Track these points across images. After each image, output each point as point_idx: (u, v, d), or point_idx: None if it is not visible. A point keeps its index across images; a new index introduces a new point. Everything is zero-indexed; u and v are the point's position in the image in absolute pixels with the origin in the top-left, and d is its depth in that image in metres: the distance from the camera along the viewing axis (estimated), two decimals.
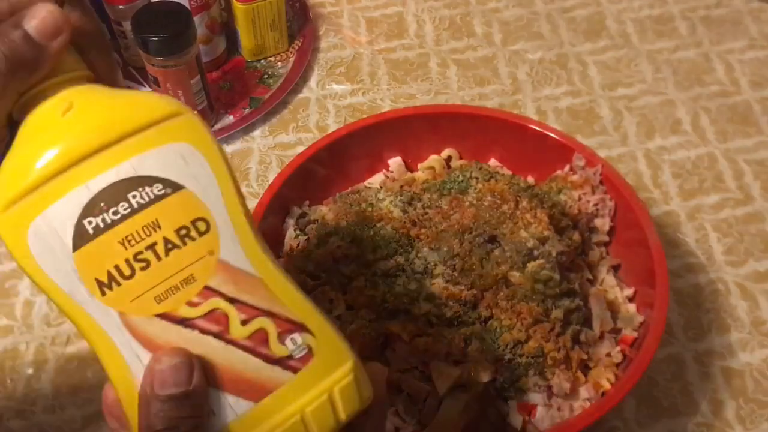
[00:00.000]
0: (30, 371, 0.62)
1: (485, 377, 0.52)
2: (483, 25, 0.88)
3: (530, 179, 0.66)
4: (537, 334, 0.53)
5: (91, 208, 0.30)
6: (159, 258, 0.30)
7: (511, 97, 0.81)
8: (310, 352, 0.32)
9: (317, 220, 0.61)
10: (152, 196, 0.30)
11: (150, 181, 0.30)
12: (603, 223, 0.62)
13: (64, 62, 0.32)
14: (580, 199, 0.62)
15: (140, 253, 0.30)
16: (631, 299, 0.60)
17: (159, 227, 0.30)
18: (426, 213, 0.58)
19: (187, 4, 0.76)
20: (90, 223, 0.30)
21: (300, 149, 0.65)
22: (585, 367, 0.56)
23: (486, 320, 0.54)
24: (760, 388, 0.61)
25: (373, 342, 0.54)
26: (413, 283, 0.55)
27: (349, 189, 0.64)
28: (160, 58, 0.69)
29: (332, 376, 0.32)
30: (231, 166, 0.32)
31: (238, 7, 0.79)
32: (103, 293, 0.30)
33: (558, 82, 0.82)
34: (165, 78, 0.71)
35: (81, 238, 0.30)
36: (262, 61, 0.84)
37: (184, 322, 0.31)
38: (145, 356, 0.30)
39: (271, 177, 0.70)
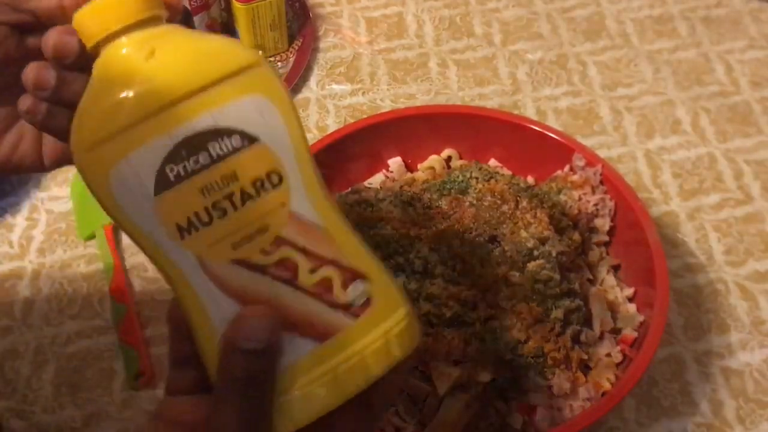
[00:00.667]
0: (30, 371, 0.62)
1: (485, 377, 0.52)
2: (483, 25, 0.88)
3: (530, 179, 0.66)
4: (537, 334, 0.53)
5: (172, 156, 0.31)
6: (235, 208, 0.32)
7: (511, 97, 0.81)
8: (369, 300, 0.34)
9: None
10: (230, 148, 0.31)
11: (228, 132, 0.31)
12: (603, 223, 0.62)
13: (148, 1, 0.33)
14: (580, 199, 0.62)
15: (218, 201, 0.31)
16: (631, 299, 0.60)
17: (237, 178, 0.32)
18: (426, 213, 0.58)
19: (187, 4, 0.76)
20: (171, 170, 0.31)
21: None
22: (585, 367, 0.56)
23: (486, 320, 0.54)
24: (759, 388, 0.61)
25: None
26: (413, 283, 0.55)
27: (349, 189, 0.64)
28: None
29: (388, 321, 0.34)
30: (300, 120, 0.34)
31: (238, 7, 0.79)
32: (182, 237, 0.31)
33: (558, 82, 0.82)
34: None
35: (162, 184, 0.31)
36: None
37: (258, 268, 0.32)
38: (221, 298, 0.32)
39: None
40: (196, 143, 0.31)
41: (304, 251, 0.33)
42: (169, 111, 0.31)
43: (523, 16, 0.89)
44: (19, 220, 0.72)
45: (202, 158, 0.31)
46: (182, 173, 0.31)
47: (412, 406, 0.54)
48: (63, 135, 0.38)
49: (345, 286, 0.33)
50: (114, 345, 0.63)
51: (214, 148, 0.31)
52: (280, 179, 0.32)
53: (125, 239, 0.69)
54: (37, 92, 0.37)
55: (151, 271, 0.67)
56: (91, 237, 0.70)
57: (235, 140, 0.32)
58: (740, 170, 0.74)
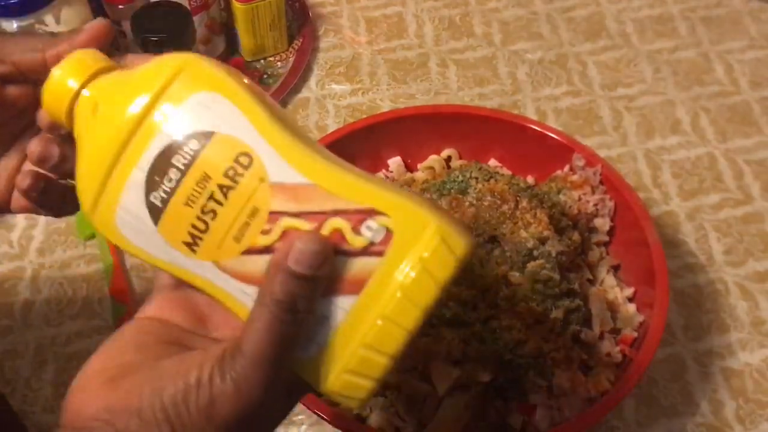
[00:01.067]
0: (30, 371, 0.62)
1: (485, 377, 0.52)
2: (483, 25, 0.88)
3: (530, 179, 0.66)
4: (537, 334, 0.53)
5: (150, 184, 0.33)
6: (221, 204, 0.33)
7: (511, 97, 0.81)
8: (389, 232, 0.32)
9: None
10: (192, 153, 0.33)
11: (184, 140, 0.33)
12: (603, 223, 0.62)
13: (84, 61, 0.35)
14: (579, 199, 0.62)
15: (205, 206, 0.33)
16: (630, 299, 0.60)
17: (209, 177, 0.32)
18: None
19: (186, 4, 0.75)
20: (156, 198, 0.33)
21: None
22: (585, 367, 0.56)
23: (486, 320, 0.54)
24: (759, 388, 0.61)
25: None
26: None
27: None
28: None
29: (418, 244, 0.32)
30: (255, 88, 0.34)
31: (238, 7, 0.79)
32: (194, 251, 0.33)
33: (558, 82, 0.82)
34: None
35: (155, 213, 0.33)
36: (262, 61, 0.84)
37: (266, 249, 0.33)
38: (248, 289, 0.33)
39: None
40: (162, 165, 0.33)
41: (300, 215, 0.32)
42: (129, 148, 0.33)
43: (523, 16, 0.89)
44: (19, 220, 0.72)
45: (173, 174, 0.33)
46: (165, 196, 0.33)
47: (411, 406, 0.54)
48: (55, 211, 0.42)
49: (357, 230, 0.32)
50: None
51: (178, 161, 0.32)
52: (250, 158, 0.33)
53: None
54: (41, 164, 0.39)
55: (151, 271, 0.67)
56: (91, 237, 0.70)
57: (193, 143, 0.32)
58: (740, 170, 0.74)
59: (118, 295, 0.65)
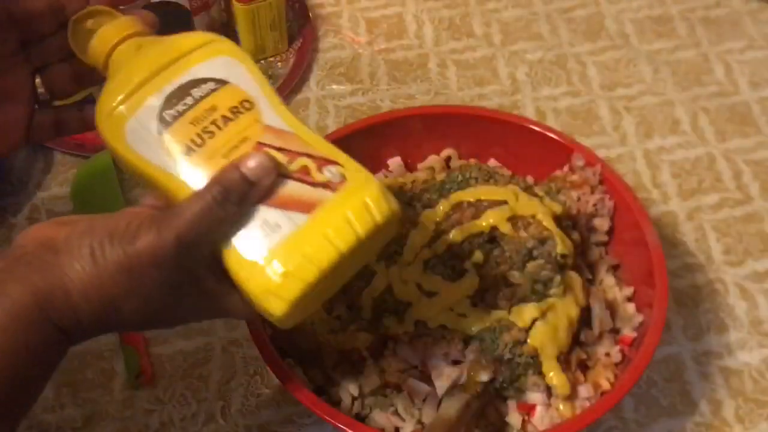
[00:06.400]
0: None
1: (484, 377, 0.52)
2: (482, 26, 0.88)
3: (529, 179, 0.66)
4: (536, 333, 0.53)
5: (167, 104, 0.41)
6: (220, 129, 0.41)
7: (511, 97, 0.81)
8: (343, 178, 0.42)
9: None
10: (208, 90, 0.42)
11: (204, 80, 0.42)
12: (602, 223, 0.62)
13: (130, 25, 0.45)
14: (579, 199, 0.62)
15: (207, 127, 0.41)
16: (630, 299, 0.60)
17: (216, 109, 0.42)
18: (426, 213, 0.58)
19: (187, 4, 0.76)
20: (168, 114, 0.41)
21: None
22: (584, 367, 0.56)
23: (486, 320, 0.54)
24: (758, 387, 0.61)
25: (374, 342, 0.54)
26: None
27: None
28: None
29: (363, 191, 0.41)
30: (261, 74, 0.44)
31: (238, 8, 0.79)
32: (187, 161, 0.41)
33: (557, 82, 0.82)
34: None
35: (164, 125, 0.41)
36: (262, 61, 0.84)
37: None
38: None
39: None
40: (182, 93, 0.42)
41: (281, 149, 0.41)
42: (158, 77, 0.42)
43: (523, 16, 0.89)
44: (19, 220, 0.72)
45: (188, 100, 0.42)
46: (176, 114, 0.41)
47: (411, 406, 0.54)
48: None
49: (320, 170, 0.41)
50: (114, 345, 0.63)
51: (195, 93, 0.42)
52: (252, 104, 0.42)
53: None
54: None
55: None
56: None
57: (210, 85, 0.42)
58: (739, 170, 0.74)
59: None
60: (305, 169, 0.41)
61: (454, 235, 0.56)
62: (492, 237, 0.56)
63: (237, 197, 0.39)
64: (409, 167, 0.69)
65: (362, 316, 0.55)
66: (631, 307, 0.59)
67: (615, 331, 0.58)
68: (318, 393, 0.53)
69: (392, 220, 0.42)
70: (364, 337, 0.54)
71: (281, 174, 0.40)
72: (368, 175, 0.43)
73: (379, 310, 0.55)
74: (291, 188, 0.40)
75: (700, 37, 0.86)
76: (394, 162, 0.68)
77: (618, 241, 0.63)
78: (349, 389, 0.54)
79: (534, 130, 0.65)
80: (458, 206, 0.58)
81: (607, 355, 0.56)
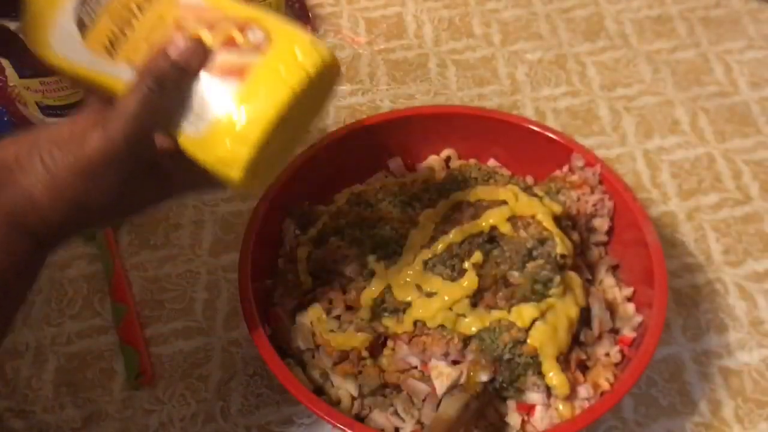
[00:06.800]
0: (30, 371, 0.62)
1: (484, 377, 0.52)
2: (482, 26, 0.88)
3: (529, 179, 0.67)
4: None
5: (82, 5, 0.43)
6: (137, 17, 0.43)
7: (510, 97, 0.81)
8: (268, 36, 0.42)
9: (317, 220, 0.61)
10: None
11: None
12: (602, 223, 0.63)
13: None
14: (578, 199, 0.62)
15: (125, 19, 0.43)
16: (629, 299, 0.60)
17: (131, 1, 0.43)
18: (426, 213, 0.58)
19: None
20: (84, 17, 0.43)
21: (299, 150, 0.65)
22: (584, 367, 0.56)
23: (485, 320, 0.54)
24: (758, 387, 0.61)
25: (373, 342, 0.55)
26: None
27: (349, 189, 0.65)
28: None
29: (292, 45, 0.42)
30: None
31: None
32: (112, 56, 0.43)
33: (557, 82, 0.82)
34: None
35: (83, 28, 0.43)
36: None
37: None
38: None
39: None
40: None
41: (200, 22, 0.42)
42: None
43: (522, 16, 0.89)
44: None
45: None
46: (92, 14, 0.43)
47: (410, 406, 0.54)
48: None
49: (244, 34, 0.42)
50: (114, 345, 0.63)
51: None
52: None
53: (125, 239, 0.69)
54: None
55: (151, 270, 0.67)
56: (92, 237, 0.70)
57: None
58: (739, 170, 0.74)
59: (118, 295, 0.65)
60: (230, 38, 0.42)
61: (453, 235, 0.56)
62: (492, 237, 0.56)
63: (172, 84, 0.40)
64: (409, 167, 0.69)
65: (361, 316, 0.55)
66: (630, 308, 0.59)
67: (615, 332, 0.58)
68: (318, 393, 0.53)
69: (325, 69, 0.43)
70: (363, 337, 0.54)
71: (208, 49, 0.42)
72: (293, 29, 0.43)
73: (379, 310, 0.55)
74: (221, 60, 0.42)
75: (700, 37, 0.86)
76: (394, 162, 0.68)
77: (617, 241, 0.63)
78: (349, 389, 0.55)
79: (533, 130, 0.65)
80: (458, 206, 0.58)
81: (607, 355, 0.56)
